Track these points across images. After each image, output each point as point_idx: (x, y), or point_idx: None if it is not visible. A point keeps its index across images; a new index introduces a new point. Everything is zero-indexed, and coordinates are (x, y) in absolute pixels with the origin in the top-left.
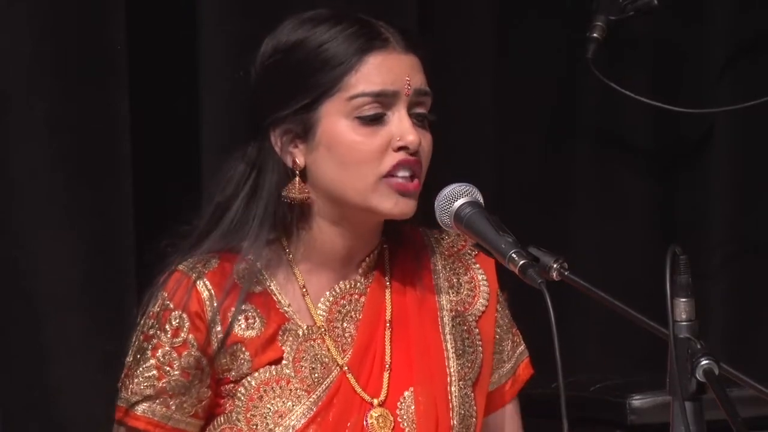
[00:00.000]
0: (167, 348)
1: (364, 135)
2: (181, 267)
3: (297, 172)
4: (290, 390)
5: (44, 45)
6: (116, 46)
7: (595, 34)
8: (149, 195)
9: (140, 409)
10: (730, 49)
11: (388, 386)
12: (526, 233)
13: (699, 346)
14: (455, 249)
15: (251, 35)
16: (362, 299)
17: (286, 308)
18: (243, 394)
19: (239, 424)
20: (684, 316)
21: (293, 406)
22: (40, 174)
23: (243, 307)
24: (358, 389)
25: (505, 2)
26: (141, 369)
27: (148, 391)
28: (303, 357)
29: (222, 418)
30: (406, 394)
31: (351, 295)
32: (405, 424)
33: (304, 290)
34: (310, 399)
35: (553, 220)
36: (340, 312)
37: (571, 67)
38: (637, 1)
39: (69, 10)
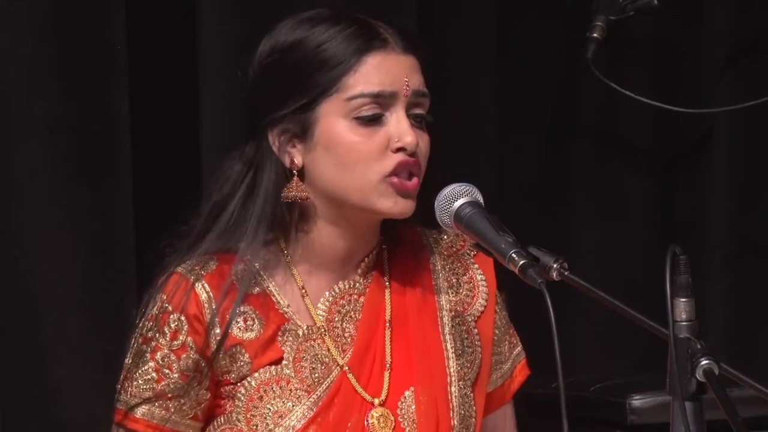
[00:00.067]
0: (166, 351)
1: (362, 135)
2: (179, 269)
3: (295, 172)
4: (290, 390)
5: (44, 45)
6: (116, 46)
7: (595, 34)
8: (149, 195)
9: (139, 411)
10: (730, 49)
11: (388, 386)
12: (526, 233)
13: (699, 346)
14: (454, 249)
15: (251, 35)
16: (361, 299)
17: (285, 309)
18: (243, 395)
19: (239, 424)
20: (684, 316)
21: (293, 406)
22: (40, 174)
23: (241, 308)
24: (359, 389)
25: (505, 2)
26: (140, 372)
27: (147, 394)
28: (303, 357)
29: (222, 419)
30: (406, 393)
31: (350, 295)
32: (405, 424)
33: (303, 291)
34: (311, 399)
35: (553, 220)
36: (339, 312)
37: (571, 67)
38: (637, 1)
39: (69, 10)
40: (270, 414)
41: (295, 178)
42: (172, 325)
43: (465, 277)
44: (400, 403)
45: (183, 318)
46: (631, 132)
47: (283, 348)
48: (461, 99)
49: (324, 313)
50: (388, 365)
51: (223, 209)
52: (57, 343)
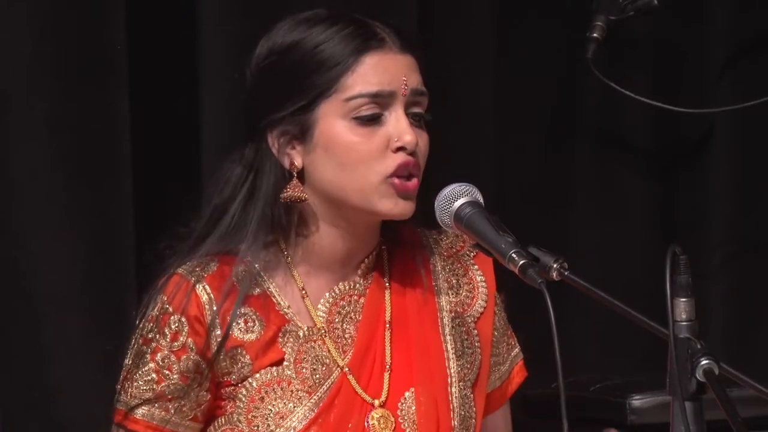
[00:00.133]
0: (166, 352)
1: (361, 135)
2: (180, 270)
3: (294, 173)
4: (291, 391)
5: (44, 45)
6: (116, 46)
7: (595, 34)
8: (149, 195)
9: (139, 412)
10: (730, 49)
11: (388, 387)
12: (526, 233)
13: (699, 346)
14: (454, 250)
15: (251, 35)
16: (362, 300)
17: (285, 310)
18: (244, 396)
19: (240, 425)
20: (684, 316)
21: (294, 407)
22: (40, 174)
23: (242, 310)
24: (359, 390)
25: (505, 2)
26: (140, 372)
27: (147, 395)
28: (304, 358)
29: (223, 419)
30: (406, 394)
31: (350, 296)
32: (406, 425)
33: (304, 292)
34: (312, 400)
35: (553, 220)
36: (339, 313)
37: (571, 67)
38: (637, 1)
39: (69, 10)
40: (271, 415)
41: (294, 179)
42: (173, 326)
43: (465, 278)
44: (400, 404)
45: (184, 319)
46: (631, 132)
47: (284, 349)
48: (461, 99)
49: (324, 314)
50: (388, 366)
51: (224, 212)
52: (57, 343)
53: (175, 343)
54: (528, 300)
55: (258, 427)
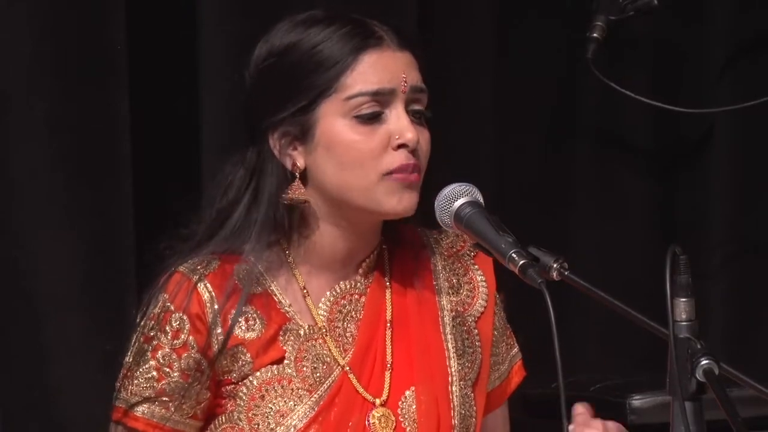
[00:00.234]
0: (167, 350)
1: (362, 134)
2: (181, 268)
3: (297, 174)
4: (292, 390)
5: (44, 45)
6: (116, 46)
7: (595, 34)
8: (149, 195)
9: (140, 410)
10: (730, 49)
11: (389, 386)
12: (526, 233)
13: (699, 346)
14: (454, 249)
15: (251, 35)
16: (362, 299)
17: (287, 308)
18: (245, 394)
19: (241, 423)
20: (684, 316)
21: (295, 405)
22: (40, 174)
23: (243, 308)
24: (360, 389)
25: (505, 2)
26: (141, 370)
27: (148, 392)
28: (305, 357)
29: (223, 418)
30: (407, 393)
31: (351, 295)
32: (406, 424)
33: (305, 291)
34: (312, 399)
35: (553, 220)
36: (340, 312)
37: (571, 67)
38: (637, 1)
39: (69, 10)
40: (272, 413)
41: (296, 181)
42: (174, 324)
43: (465, 278)
44: (400, 403)
45: (185, 317)
46: (631, 132)
47: (285, 348)
48: (461, 99)
49: (325, 313)
50: (388, 365)
51: (229, 216)
52: (57, 343)
53: (176, 341)
54: (528, 300)
55: (258, 425)
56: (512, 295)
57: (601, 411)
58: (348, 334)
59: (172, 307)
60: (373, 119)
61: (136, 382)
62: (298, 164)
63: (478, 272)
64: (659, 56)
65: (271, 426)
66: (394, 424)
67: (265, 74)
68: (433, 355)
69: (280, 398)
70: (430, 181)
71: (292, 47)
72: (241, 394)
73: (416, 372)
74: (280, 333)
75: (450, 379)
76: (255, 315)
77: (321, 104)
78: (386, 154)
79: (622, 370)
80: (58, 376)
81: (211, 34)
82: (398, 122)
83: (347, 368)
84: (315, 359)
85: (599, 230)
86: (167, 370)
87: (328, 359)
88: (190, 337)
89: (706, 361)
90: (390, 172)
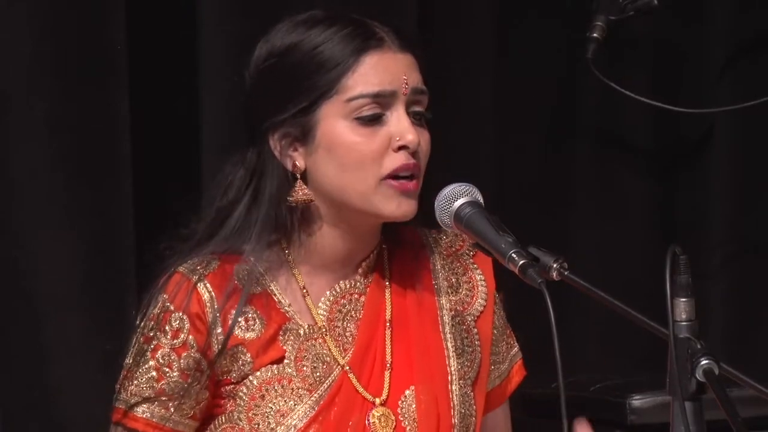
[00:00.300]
0: (167, 349)
1: (363, 135)
2: (181, 269)
3: (298, 175)
4: (292, 389)
5: (44, 45)
6: (116, 46)
7: (595, 34)
8: (149, 195)
9: (139, 410)
10: (730, 49)
11: (389, 385)
12: (526, 233)
13: (699, 346)
14: (453, 249)
15: (251, 35)
16: (362, 299)
17: (286, 308)
18: (245, 394)
19: (241, 423)
20: (684, 316)
21: (295, 405)
22: (40, 174)
23: (243, 308)
24: (360, 389)
25: (505, 2)
26: (140, 370)
27: (148, 393)
28: (304, 356)
29: (223, 418)
30: (407, 393)
31: (351, 294)
32: (406, 423)
33: (305, 291)
34: (312, 398)
35: (553, 220)
36: (340, 311)
37: (571, 67)
38: (637, 1)
39: (69, 10)
40: (272, 413)
41: (299, 182)
42: (174, 324)
43: (464, 277)
44: (400, 402)
45: (185, 317)
46: (631, 132)
47: (285, 347)
48: (461, 99)
49: (325, 313)
50: (388, 365)
51: (228, 216)
52: (57, 343)
53: (176, 341)
54: (528, 300)
55: (258, 425)
56: (512, 295)
57: (601, 411)
58: (348, 334)
59: (172, 307)
60: (373, 121)
61: (135, 382)
62: (299, 165)
63: (477, 271)
64: (659, 56)
65: (272, 426)
66: (394, 423)
67: (266, 75)
68: (433, 355)
69: (280, 398)
70: (430, 181)
71: (293, 48)
72: (241, 394)
73: (416, 371)
74: (280, 333)
75: (449, 378)
76: (255, 315)
77: (322, 105)
78: (387, 155)
79: (622, 370)
80: (58, 376)
81: (211, 34)
82: (399, 124)
83: (347, 368)
84: (315, 359)
85: (599, 230)
86: (167, 370)
87: (328, 359)
88: (190, 337)
89: (706, 361)
90: (390, 176)
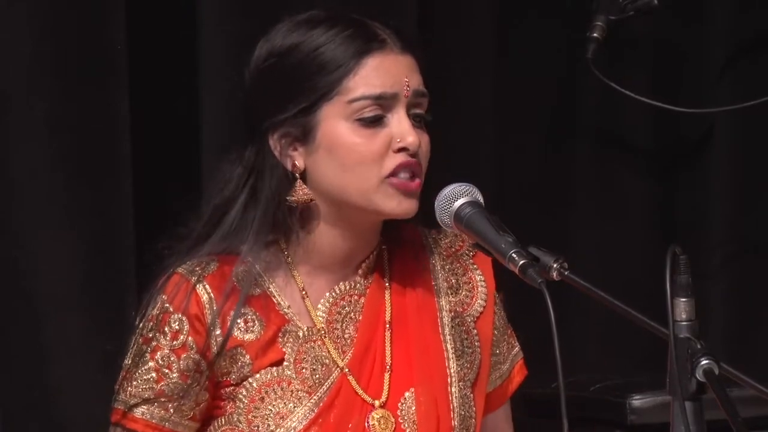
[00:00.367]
0: (166, 351)
1: (364, 137)
2: (180, 270)
3: (297, 175)
4: (291, 391)
5: (44, 45)
6: (116, 46)
7: (595, 34)
8: (149, 195)
9: (139, 411)
10: (730, 49)
11: (388, 387)
12: (526, 233)
13: (699, 346)
14: (453, 249)
15: (251, 35)
16: (362, 300)
17: (285, 310)
18: (244, 396)
19: (240, 425)
20: (684, 316)
21: (294, 407)
22: (40, 174)
23: (242, 310)
24: (359, 391)
25: (505, 2)
26: (140, 372)
27: (147, 394)
28: (304, 358)
29: (222, 420)
30: (406, 394)
31: (350, 296)
32: (406, 425)
33: (304, 292)
34: (312, 400)
35: (553, 220)
36: (339, 313)
37: (571, 67)
38: (637, 1)
39: (69, 10)
40: (271, 415)
41: (299, 181)
42: (173, 325)
43: (464, 278)
44: (400, 404)
45: (184, 318)
46: (631, 132)
47: (284, 349)
48: (461, 99)
49: (324, 315)
50: (388, 366)
51: (225, 213)
52: (57, 343)
53: (176, 342)
54: (528, 300)
55: (258, 427)
56: (512, 295)
57: (601, 411)
58: (347, 336)
59: (171, 308)
60: (374, 122)
61: (135, 383)
62: (298, 165)
63: (477, 272)
64: (659, 56)
65: (271, 428)
66: (394, 425)
67: (266, 75)
68: (432, 356)
69: (279, 400)
70: (430, 181)
71: (294, 48)
72: (240, 396)
73: (415, 373)
74: (279, 334)
75: (449, 380)
76: (254, 316)
77: (323, 106)
78: (387, 157)
79: (622, 370)
80: (58, 376)
81: (211, 34)
82: (400, 126)
83: (346, 370)
84: (314, 361)
85: (599, 230)
86: (166, 371)
87: (327, 361)
88: (189, 338)
89: (706, 361)
90: (391, 174)
